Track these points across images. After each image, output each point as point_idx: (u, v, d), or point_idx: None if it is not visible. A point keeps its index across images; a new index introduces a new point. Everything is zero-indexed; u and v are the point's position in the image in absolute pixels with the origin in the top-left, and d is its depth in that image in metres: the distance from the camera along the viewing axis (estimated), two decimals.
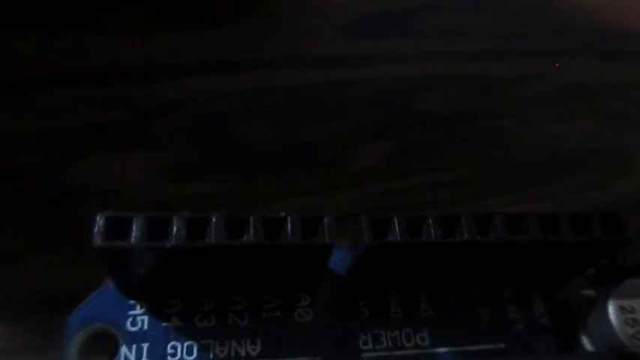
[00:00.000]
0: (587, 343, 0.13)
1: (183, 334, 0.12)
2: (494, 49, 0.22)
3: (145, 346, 0.12)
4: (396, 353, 0.13)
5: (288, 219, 0.11)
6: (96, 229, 0.10)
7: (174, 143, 0.18)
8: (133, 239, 0.10)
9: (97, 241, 0.10)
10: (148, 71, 0.19)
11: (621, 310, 0.13)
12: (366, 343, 0.13)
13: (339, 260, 0.13)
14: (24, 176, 0.17)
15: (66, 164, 0.17)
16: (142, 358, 0.11)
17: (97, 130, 0.18)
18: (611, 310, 0.13)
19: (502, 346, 0.13)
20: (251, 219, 0.11)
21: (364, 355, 0.12)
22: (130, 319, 0.12)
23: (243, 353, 0.12)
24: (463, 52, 0.21)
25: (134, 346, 0.11)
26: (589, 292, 0.14)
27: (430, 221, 0.11)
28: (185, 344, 0.12)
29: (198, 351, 0.12)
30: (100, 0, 0.20)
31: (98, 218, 0.10)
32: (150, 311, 0.12)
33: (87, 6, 0.20)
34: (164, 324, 0.12)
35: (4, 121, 0.17)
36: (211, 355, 0.12)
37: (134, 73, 0.19)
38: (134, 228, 0.10)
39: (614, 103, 0.21)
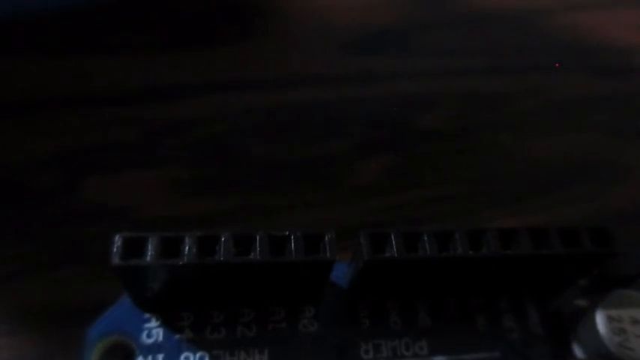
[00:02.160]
0: (578, 351, 0.14)
1: (195, 345, 0.12)
2: (491, 66, 0.22)
3: (160, 356, 0.12)
4: None
5: (292, 237, 0.11)
6: (114, 249, 0.11)
7: (183, 161, 0.18)
8: (148, 257, 0.11)
9: (116, 260, 0.11)
10: (156, 92, 0.20)
11: (609, 319, 0.13)
12: (367, 352, 0.13)
13: (341, 273, 0.13)
14: (40, 194, 0.17)
15: (79, 183, 0.18)
16: None
17: (108, 150, 0.18)
18: (599, 319, 0.13)
19: (497, 354, 0.14)
20: (257, 237, 0.11)
21: None
22: (146, 332, 0.12)
23: None
24: (461, 69, 0.22)
25: (150, 357, 0.12)
26: (581, 302, 0.14)
27: (426, 237, 0.12)
28: (197, 355, 0.12)
29: None
30: (110, 25, 0.20)
31: (116, 238, 0.11)
32: (164, 324, 0.13)
33: (98, 30, 0.20)
34: (177, 336, 0.12)
35: (20, 141, 0.18)
36: None
37: (143, 94, 0.19)
38: (149, 247, 0.11)
39: (608, 116, 0.21)
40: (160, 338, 0.12)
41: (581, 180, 0.20)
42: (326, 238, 0.11)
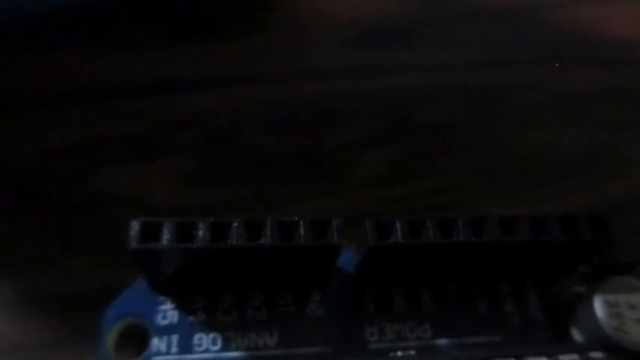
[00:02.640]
0: (576, 336, 0.14)
1: (208, 327, 0.13)
2: (493, 60, 0.22)
3: (175, 337, 0.13)
4: (400, 344, 0.13)
5: (301, 222, 0.12)
6: (132, 233, 0.11)
7: (192, 153, 0.19)
8: (164, 241, 0.11)
9: (133, 243, 0.11)
10: (166, 86, 0.20)
11: (606, 304, 0.13)
12: (372, 335, 0.13)
13: (348, 260, 0.14)
14: (53, 185, 0.18)
15: (91, 174, 0.18)
16: (171, 348, 0.13)
17: (120, 142, 0.19)
18: (597, 304, 0.13)
19: (499, 338, 0.14)
20: (268, 223, 0.12)
21: (370, 346, 0.13)
22: (161, 314, 0.13)
23: (261, 344, 0.13)
24: (464, 63, 0.22)
25: (165, 338, 0.13)
26: (580, 289, 0.15)
27: (429, 224, 0.12)
28: (210, 336, 0.13)
29: (222, 342, 0.13)
30: (119, 20, 0.21)
31: (134, 223, 0.11)
32: (178, 306, 0.13)
33: (107, 26, 0.21)
34: (191, 318, 0.13)
35: (34, 134, 0.18)
36: (233, 346, 0.13)
37: (154, 88, 0.20)
38: (165, 232, 0.11)
39: (608, 109, 0.22)
40: (175, 320, 0.13)
41: (582, 172, 0.20)
42: (333, 224, 0.12)
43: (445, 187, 0.19)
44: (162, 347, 0.12)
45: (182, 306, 0.13)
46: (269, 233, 0.12)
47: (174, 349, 0.12)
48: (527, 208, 0.19)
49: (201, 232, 0.11)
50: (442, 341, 0.14)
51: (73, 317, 0.15)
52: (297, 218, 0.12)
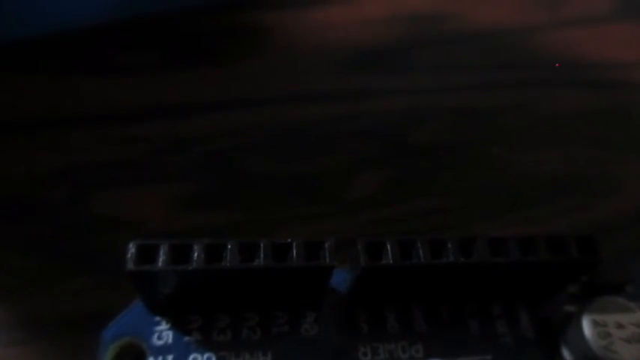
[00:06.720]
0: (567, 355, 0.14)
1: (203, 347, 0.13)
2: (482, 82, 0.23)
3: (170, 357, 0.13)
4: None
5: (294, 244, 0.12)
6: (128, 255, 0.11)
7: (187, 177, 0.19)
8: (159, 263, 0.11)
9: (130, 265, 0.11)
10: (161, 110, 0.20)
11: (594, 323, 0.14)
12: (365, 354, 0.14)
13: (341, 280, 0.14)
14: (51, 208, 0.18)
15: (89, 198, 0.18)
16: None
17: (116, 166, 0.19)
18: (585, 323, 0.14)
19: (490, 357, 0.14)
20: (261, 244, 0.12)
21: None
22: (157, 334, 0.13)
23: None
24: (454, 86, 0.22)
25: (160, 358, 0.13)
26: (570, 308, 0.15)
27: (419, 245, 0.12)
28: (205, 356, 0.13)
29: None
30: (118, 45, 0.21)
31: (130, 246, 0.11)
32: (174, 326, 0.13)
33: (106, 51, 0.21)
34: (186, 338, 0.13)
35: (33, 157, 0.19)
36: None
37: (149, 113, 0.20)
38: (160, 253, 0.11)
39: (596, 129, 0.22)
40: (170, 340, 0.13)
41: (571, 192, 0.20)
42: (326, 246, 0.12)
43: (436, 209, 0.19)
44: None
45: (178, 326, 0.13)
46: (263, 255, 0.12)
47: None
48: (516, 228, 0.19)
49: (196, 254, 0.12)
50: None
51: (70, 340, 0.16)
52: (290, 240, 0.12)
